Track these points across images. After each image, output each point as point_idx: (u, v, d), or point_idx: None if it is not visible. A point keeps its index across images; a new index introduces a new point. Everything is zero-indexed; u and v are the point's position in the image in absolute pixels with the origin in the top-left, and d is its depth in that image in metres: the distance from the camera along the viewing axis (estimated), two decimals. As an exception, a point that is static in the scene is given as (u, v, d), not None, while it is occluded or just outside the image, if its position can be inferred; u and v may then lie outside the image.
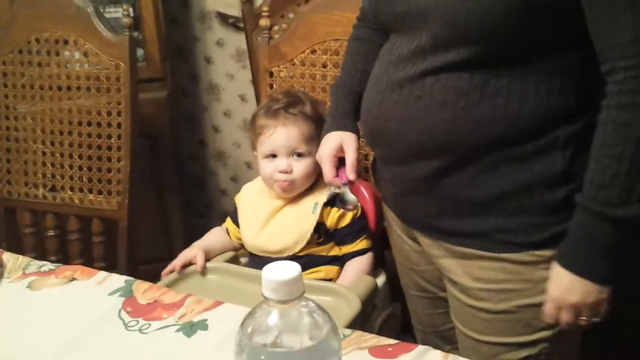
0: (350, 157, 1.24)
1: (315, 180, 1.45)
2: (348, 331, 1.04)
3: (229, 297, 1.18)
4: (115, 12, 2.38)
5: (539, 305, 1.06)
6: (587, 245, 0.98)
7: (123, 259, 1.84)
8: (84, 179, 1.83)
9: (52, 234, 1.90)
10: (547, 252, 1.05)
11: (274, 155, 1.43)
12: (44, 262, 1.28)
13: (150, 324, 1.10)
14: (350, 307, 1.34)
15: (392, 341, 1.02)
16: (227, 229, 1.55)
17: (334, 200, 1.41)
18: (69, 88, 1.82)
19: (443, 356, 0.98)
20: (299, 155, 1.42)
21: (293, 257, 1.42)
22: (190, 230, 2.38)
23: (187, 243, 1.52)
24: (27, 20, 1.82)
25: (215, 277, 1.46)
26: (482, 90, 1.01)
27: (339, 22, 1.58)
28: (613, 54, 0.93)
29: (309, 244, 1.42)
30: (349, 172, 1.23)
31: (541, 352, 1.11)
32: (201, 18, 2.63)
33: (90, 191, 1.84)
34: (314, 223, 1.41)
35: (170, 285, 1.37)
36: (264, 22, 1.69)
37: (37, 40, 1.82)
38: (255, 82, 2.34)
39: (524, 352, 1.12)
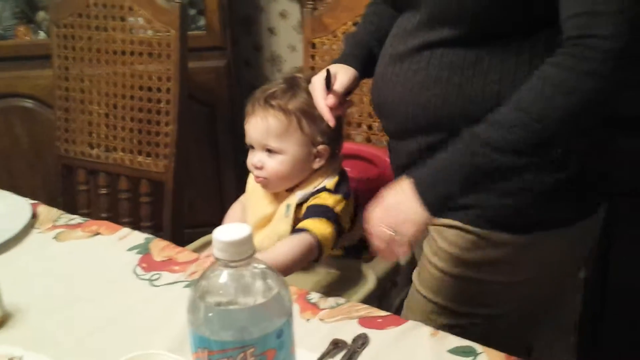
0: (336, 82, 1.19)
1: (305, 179, 1.33)
2: (341, 300, 1.05)
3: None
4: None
5: (488, 282, 1.11)
6: (441, 172, 0.98)
7: (167, 220, 1.91)
8: (135, 141, 1.90)
9: (104, 192, 1.98)
10: (519, 238, 1.08)
11: (252, 147, 1.33)
12: (74, 216, 1.34)
13: (160, 275, 1.15)
14: (366, 283, 1.34)
15: (384, 313, 1.02)
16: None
17: (306, 200, 1.31)
18: (123, 52, 1.88)
19: (432, 332, 0.97)
20: (269, 151, 1.30)
21: None
22: (244, 198, 2.43)
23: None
24: (86, -15, 1.90)
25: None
26: (476, 66, 1.01)
27: (382, -6, 1.56)
28: (569, 24, 0.92)
29: None
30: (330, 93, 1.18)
31: (470, 327, 1.12)
32: (266, -12, 2.65)
33: (140, 153, 1.90)
34: (289, 226, 1.30)
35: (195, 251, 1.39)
36: (309, -7, 1.69)
37: (95, 4, 1.89)
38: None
39: (455, 320, 1.14)
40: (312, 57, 1.70)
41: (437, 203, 0.99)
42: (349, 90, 1.23)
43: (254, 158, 1.32)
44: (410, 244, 1.01)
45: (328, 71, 1.18)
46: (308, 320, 1.01)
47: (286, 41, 2.69)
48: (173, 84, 1.83)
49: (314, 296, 1.07)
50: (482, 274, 1.12)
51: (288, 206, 1.33)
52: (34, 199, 1.41)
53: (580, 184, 1.08)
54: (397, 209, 1.00)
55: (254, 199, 1.41)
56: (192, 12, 2.47)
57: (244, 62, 2.76)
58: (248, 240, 0.67)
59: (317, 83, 1.20)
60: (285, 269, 1.17)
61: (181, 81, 1.83)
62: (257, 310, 0.68)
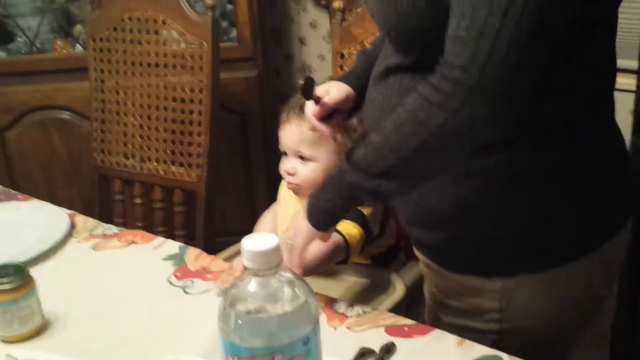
0: (327, 97, 1.17)
1: None
2: (368, 308, 1.07)
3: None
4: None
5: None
6: (321, 194, 1.01)
7: (200, 229, 1.94)
8: (168, 151, 1.94)
9: (139, 201, 2.03)
10: (494, 283, 1.03)
11: (286, 153, 1.37)
12: (109, 225, 1.39)
13: (193, 283, 1.18)
14: (395, 292, 1.35)
15: (410, 322, 1.04)
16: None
17: None
18: (157, 65, 1.93)
19: (458, 341, 0.98)
20: (302, 158, 1.33)
21: None
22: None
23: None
24: (121, 0, 1.95)
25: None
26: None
27: (409, 5, 1.58)
28: (445, 47, 0.87)
29: None
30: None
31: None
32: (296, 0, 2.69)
33: (173, 163, 1.95)
34: None
35: (227, 260, 1.42)
36: (337, 3, 1.71)
37: (129, 18, 1.94)
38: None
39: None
40: (341, 67, 1.72)
41: (318, 217, 1.02)
42: (343, 108, 1.20)
43: (287, 164, 1.36)
44: (301, 254, 1.04)
45: (306, 79, 1.15)
46: (335, 328, 1.03)
47: (316, 51, 2.72)
48: (205, 95, 1.87)
49: (341, 305, 1.09)
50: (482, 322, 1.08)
51: None
52: (71, 209, 1.45)
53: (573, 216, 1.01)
54: (295, 221, 1.05)
55: (285, 206, 1.44)
56: (224, 24, 2.53)
57: (274, 71, 2.80)
58: (276, 250, 0.69)
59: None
60: (313, 267, 1.18)
61: (213, 92, 1.87)
62: (284, 317, 0.70)
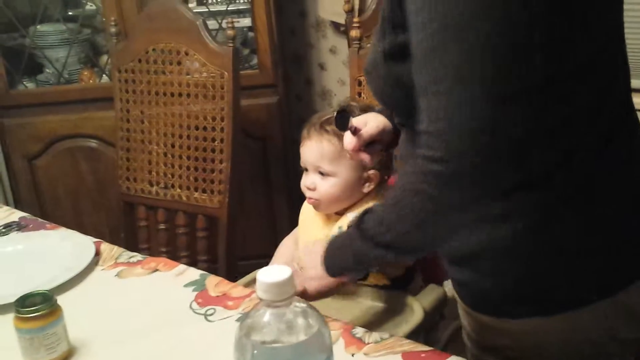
0: (364, 129, 1.18)
1: (355, 202, 1.40)
2: (385, 335, 1.09)
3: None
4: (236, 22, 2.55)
5: None
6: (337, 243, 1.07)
7: (222, 254, 1.98)
8: (191, 178, 1.99)
9: (163, 227, 2.07)
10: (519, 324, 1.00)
11: (306, 169, 1.41)
12: (134, 253, 1.42)
13: (215, 310, 1.20)
14: (413, 316, 1.36)
15: (427, 348, 1.05)
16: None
17: None
18: (180, 94, 1.98)
19: (473, 367, 1.00)
20: (322, 174, 1.38)
21: None
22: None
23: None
24: (145, 32, 2.01)
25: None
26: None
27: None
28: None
29: None
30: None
31: None
32: (316, 26, 2.74)
33: (196, 189, 1.99)
34: None
35: (247, 285, 1.45)
36: (354, 32, 1.75)
37: (153, 50, 2.00)
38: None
39: None
40: (359, 94, 1.75)
41: (333, 270, 1.08)
42: (380, 140, 1.20)
43: (307, 180, 1.40)
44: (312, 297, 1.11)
45: (339, 111, 1.16)
46: (353, 355, 1.05)
47: (336, 76, 2.76)
48: (226, 123, 1.92)
49: (359, 331, 1.10)
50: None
51: (340, 228, 1.39)
52: (98, 235, 1.49)
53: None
54: (311, 259, 1.11)
55: (306, 225, 1.48)
56: (246, 51, 2.58)
57: (295, 96, 2.85)
58: (289, 281, 0.72)
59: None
60: (337, 285, 1.20)
61: (234, 120, 1.92)
62: (298, 347, 0.73)
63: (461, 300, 1.09)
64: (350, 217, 1.38)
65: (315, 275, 1.10)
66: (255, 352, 0.72)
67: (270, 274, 0.72)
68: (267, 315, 0.73)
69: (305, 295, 1.11)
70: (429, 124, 0.82)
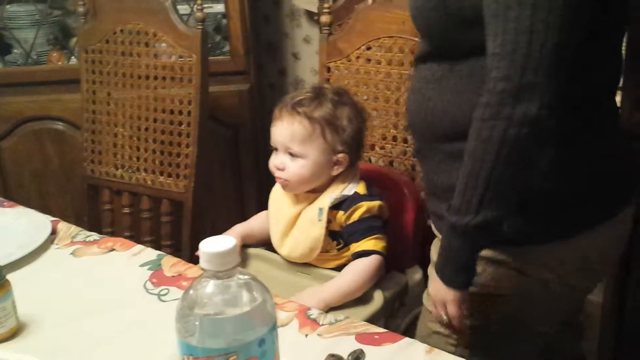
0: None
1: (323, 184, 1.42)
2: (341, 316, 1.08)
3: (266, 284, 1.23)
4: (209, 8, 2.53)
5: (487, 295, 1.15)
6: (443, 253, 1.08)
7: (187, 239, 1.95)
8: (157, 162, 1.96)
9: (127, 211, 2.04)
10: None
11: (276, 149, 1.42)
12: (91, 233, 1.40)
13: (169, 290, 1.19)
14: (373, 302, 1.36)
15: (381, 330, 1.04)
16: None
17: (341, 204, 1.39)
18: (147, 77, 1.95)
19: (427, 350, 0.99)
20: (291, 154, 1.38)
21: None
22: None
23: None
24: (114, 12, 1.98)
25: (254, 264, 1.52)
26: (440, 83, 1.10)
27: (394, 20, 1.61)
28: (487, 64, 0.97)
29: (327, 251, 1.41)
30: None
31: (450, 335, 1.20)
32: (290, 15, 2.71)
33: (162, 174, 1.96)
34: (323, 229, 1.38)
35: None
36: (324, 18, 1.74)
37: (121, 31, 1.96)
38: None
39: (439, 328, 1.21)
40: (328, 80, 1.74)
41: (455, 278, 1.08)
42: None
43: (277, 160, 1.41)
44: (460, 319, 1.12)
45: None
46: (306, 335, 1.04)
47: (309, 65, 2.74)
48: (194, 107, 1.89)
49: (314, 312, 1.09)
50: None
51: (320, 210, 1.39)
52: (63, 219, 1.47)
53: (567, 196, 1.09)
54: (436, 296, 1.13)
55: (276, 207, 1.49)
56: (217, 38, 2.55)
57: (268, 86, 2.83)
58: (232, 251, 0.70)
59: None
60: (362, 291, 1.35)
61: (201, 104, 1.89)
62: (240, 319, 0.71)
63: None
64: (330, 198, 1.39)
65: (447, 300, 1.11)
66: (196, 323, 0.71)
67: (213, 244, 0.70)
68: (210, 286, 0.72)
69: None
70: (495, 47, 0.93)
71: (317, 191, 1.43)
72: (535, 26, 0.90)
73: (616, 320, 1.74)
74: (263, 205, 1.56)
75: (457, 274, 1.08)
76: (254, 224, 1.57)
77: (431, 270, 1.19)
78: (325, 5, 1.75)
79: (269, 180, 1.50)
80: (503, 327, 1.18)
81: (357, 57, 1.69)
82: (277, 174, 1.41)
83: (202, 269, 0.71)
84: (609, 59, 1.08)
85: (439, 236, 1.19)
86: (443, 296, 1.11)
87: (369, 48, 1.67)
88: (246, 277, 0.73)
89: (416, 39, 1.55)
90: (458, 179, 1.01)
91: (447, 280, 1.09)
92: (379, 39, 1.64)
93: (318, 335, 1.04)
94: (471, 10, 0.99)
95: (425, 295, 1.27)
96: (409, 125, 1.22)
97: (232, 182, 2.52)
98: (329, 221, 1.39)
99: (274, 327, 0.74)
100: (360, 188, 1.41)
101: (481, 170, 0.97)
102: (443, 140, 1.11)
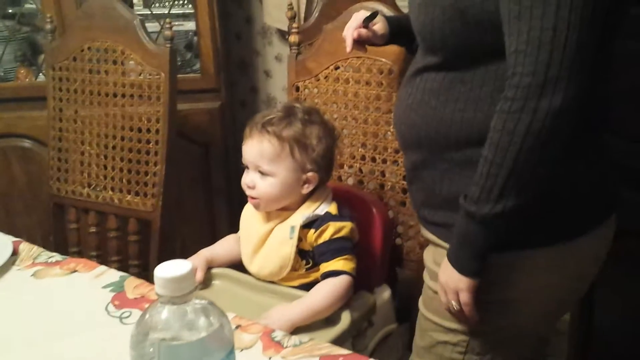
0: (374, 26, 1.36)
1: (294, 202, 1.42)
2: (305, 338, 1.07)
3: (232, 304, 1.21)
4: (180, 25, 2.52)
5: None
6: (458, 241, 1.09)
7: (154, 259, 1.93)
8: (124, 180, 1.94)
9: (94, 230, 2.01)
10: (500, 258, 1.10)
11: (247, 167, 1.42)
12: (53, 254, 1.37)
13: (131, 312, 1.16)
14: (340, 322, 1.35)
15: (345, 351, 1.03)
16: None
17: (312, 223, 1.39)
18: (115, 95, 1.93)
19: (390, 371, 0.98)
20: (261, 173, 1.39)
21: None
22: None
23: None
24: (82, 30, 1.96)
25: (220, 283, 1.50)
26: (449, 92, 1.11)
27: (362, 40, 1.61)
28: (509, 62, 0.99)
29: (296, 270, 1.41)
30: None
31: (459, 343, 1.19)
32: (262, 33, 2.72)
33: (129, 192, 1.94)
34: (294, 248, 1.39)
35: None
36: (293, 38, 1.74)
37: (89, 48, 1.94)
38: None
39: (446, 337, 1.21)
40: (298, 99, 1.73)
41: (469, 266, 1.09)
42: (374, 38, 1.38)
43: (247, 178, 1.42)
44: (472, 306, 1.12)
45: (374, 13, 1.35)
46: (270, 358, 1.02)
47: (281, 83, 2.74)
48: (162, 125, 1.88)
49: (278, 334, 1.08)
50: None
51: (292, 228, 1.40)
52: (29, 237, 1.44)
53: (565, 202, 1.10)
54: (447, 285, 1.12)
55: (248, 224, 1.49)
56: (188, 55, 2.54)
57: (240, 103, 2.82)
58: (188, 276, 0.69)
59: (361, 14, 1.35)
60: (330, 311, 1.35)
61: (170, 122, 1.88)
62: (197, 345, 0.70)
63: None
64: (302, 217, 1.40)
65: (459, 288, 1.11)
66: (152, 349, 0.69)
67: (168, 269, 0.69)
68: (165, 312, 0.70)
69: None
70: (518, 44, 0.96)
71: (288, 209, 1.43)
72: (560, 23, 0.93)
73: (584, 335, 1.76)
74: (234, 223, 1.55)
75: (472, 261, 1.08)
76: (218, 249, 1.56)
77: (427, 274, 1.25)
78: (294, 25, 1.75)
79: (241, 198, 1.50)
80: (501, 332, 1.18)
81: (326, 77, 1.69)
82: (248, 192, 1.42)
83: (158, 295, 0.70)
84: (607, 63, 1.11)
85: (436, 242, 1.20)
86: (455, 284, 1.11)
87: (337, 68, 1.67)
88: (203, 302, 0.71)
89: (383, 59, 1.57)
90: (475, 175, 1.03)
91: (461, 268, 1.09)
92: (347, 59, 1.64)
93: (282, 358, 1.02)
94: (488, 15, 1.02)
95: (423, 301, 1.27)
96: (412, 139, 1.20)
97: (204, 200, 2.50)
98: (299, 239, 1.39)
99: (231, 352, 0.72)
100: (332, 208, 1.41)
101: (504, 160, 0.99)
102: (452, 148, 1.12)
